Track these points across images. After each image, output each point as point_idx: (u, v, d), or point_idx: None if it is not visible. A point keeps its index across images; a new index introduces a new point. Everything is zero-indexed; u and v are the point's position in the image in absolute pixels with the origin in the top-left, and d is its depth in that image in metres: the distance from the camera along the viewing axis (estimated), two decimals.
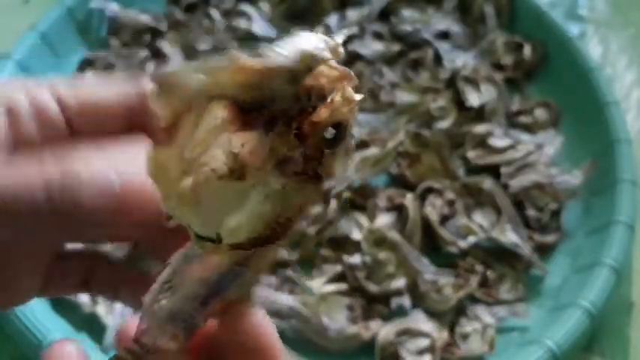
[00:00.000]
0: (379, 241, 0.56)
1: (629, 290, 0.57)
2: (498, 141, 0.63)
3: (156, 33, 0.72)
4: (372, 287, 0.54)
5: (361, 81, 0.68)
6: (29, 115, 0.23)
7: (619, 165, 0.58)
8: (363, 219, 0.58)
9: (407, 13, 0.74)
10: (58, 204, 0.20)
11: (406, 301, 0.54)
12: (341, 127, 0.18)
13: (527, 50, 0.70)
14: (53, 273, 0.25)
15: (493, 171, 0.61)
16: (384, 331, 0.52)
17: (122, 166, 0.21)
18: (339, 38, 0.18)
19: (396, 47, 0.71)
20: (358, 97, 0.18)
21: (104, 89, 0.25)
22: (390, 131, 0.63)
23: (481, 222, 0.58)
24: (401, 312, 0.54)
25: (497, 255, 0.58)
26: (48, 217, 0.21)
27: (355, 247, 0.57)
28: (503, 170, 0.61)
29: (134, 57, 0.68)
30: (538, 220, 0.59)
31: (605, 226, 0.55)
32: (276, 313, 0.53)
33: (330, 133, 0.18)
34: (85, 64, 0.69)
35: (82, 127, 0.24)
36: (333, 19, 0.74)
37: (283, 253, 0.56)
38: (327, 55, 0.17)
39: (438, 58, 0.71)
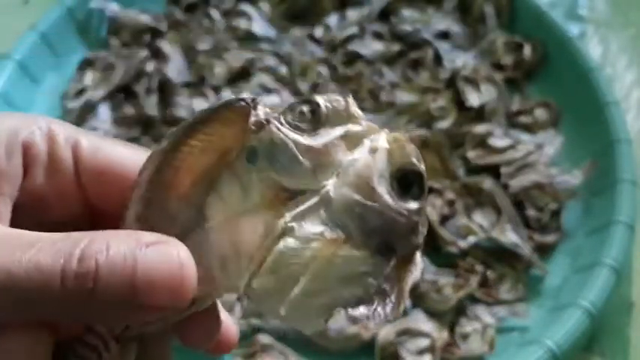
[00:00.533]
0: None
1: (629, 290, 0.57)
2: (498, 141, 0.63)
3: (156, 33, 0.72)
4: None
5: (361, 81, 0.68)
6: (65, 148, 0.24)
7: (619, 165, 0.58)
8: None
9: (407, 13, 0.74)
10: (72, 293, 0.20)
11: (406, 300, 0.54)
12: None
13: (527, 50, 0.70)
14: None
15: (493, 171, 0.61)
16: (384, 331, 0.52)
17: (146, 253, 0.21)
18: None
19: (396, 47, 0.71)
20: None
21: (127, 158, 0.24)
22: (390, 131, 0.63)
23: (481, 222, 0.58)
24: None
25: (497, 255, 0.58)
26: (58, 303, 0.20)
27: None
28: (503, 170, 0.61)
29: (134, 57, 0.68)
30: (538, 220, 0.59)
31: (605, 226, 0.55)
32: None
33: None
34: (85, 64, 0.69)
35: (94, 189, 0.24)
36: (333, 19, 0.74)
37: None
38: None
39: (438, 58, 0.71)
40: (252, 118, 0.20)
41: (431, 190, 0.59)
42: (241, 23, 0.74)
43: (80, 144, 0.24)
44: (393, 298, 0.20)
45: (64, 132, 0.24)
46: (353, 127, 0.20)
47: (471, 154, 0.63)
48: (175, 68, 0.68)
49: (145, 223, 0.22)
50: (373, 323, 0.20)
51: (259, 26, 0.74)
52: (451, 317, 0.55)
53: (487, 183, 0.59)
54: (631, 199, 0.56)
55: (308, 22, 0.75)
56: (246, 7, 0.75)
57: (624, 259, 0.53)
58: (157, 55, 0.70)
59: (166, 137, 0.21)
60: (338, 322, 0.50)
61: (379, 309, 0.20)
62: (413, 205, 0.19)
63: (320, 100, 0.20)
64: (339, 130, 0.20)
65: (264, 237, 0.20)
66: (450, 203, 0.59)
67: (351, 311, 0.20)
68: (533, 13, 0.72)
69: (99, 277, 0.20)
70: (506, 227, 0.57)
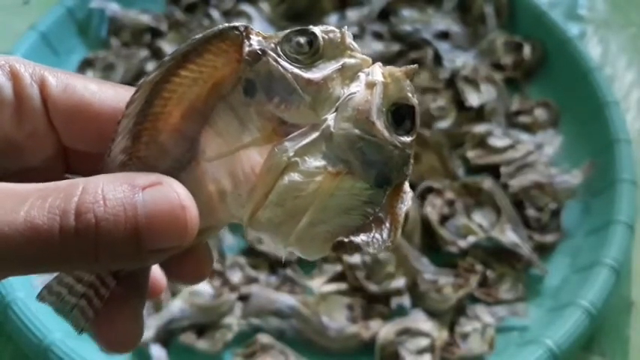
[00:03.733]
0: None
1: (628, 290, 0.57)
2: (498, 141, 0.63)
3: (156, 33, 0.72)
4: (372, 287, 0.54)
5: None
6: (30, 86, 0.22)
7: (618, 165, 0.58)
8: None
9: (407, 13, 0.74)
10: (73, 250, 0.19)
11: (406, 300, 0.54)
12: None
13: (526, 50, 0.70)
14: None
15: (493, 171, 0.61)
16: (384, 330, 0.52)
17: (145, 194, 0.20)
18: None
19: (396, 47, 0.71)
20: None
21: (98, 96, 0.23)
22: None
23: (481, 222, 0.58)
24: (401, 311, 0.54)
25: (496, 255, 0.58)
26: (59, 260, 0.19)
27: None
28: (503, 170, 0.61)
29: (134, 57, 0.68)
30: (538, 219, 0.59)
31: (605, 226, 0.55)
32: (276, 313, 0.53)
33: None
34: (85, 64, 0.69)
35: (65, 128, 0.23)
36: (333, 19, 0.74)
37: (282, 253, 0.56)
38: None
39: (437, 58, 0.71)
40: (247, 48, 0.20)
41: (431, 190, 0.59)
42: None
43: (47, 81, 0.23)
44: (387, 224, 0.20)
45: (28, 70, 0.23)
46: (349, 60, 0.20)
47: (471, 154, 0.63)
48: None
49: (134, 158, 0.21)
50: (372, 249, 0.20)
51: (259, 26, 0.74)
52: (451, 317, 0.55)
53: (487, 183, 0.59)
54: (630, 199, 0.56)
55: (308, 22, 0.75)
56: (246, 7, 0.75)
57: (624, 258, 0.53)
58: (157, 55, 0.70)
59: (156, 67, 0.21)
60: (338, 321, 0.50)
61: (377, 235, 0.20)
62: (407, 138, 0.20)
63: (317, 30, 0.20)
64: (336, 64, 0.20)
65: (265, 170, 0.20)
66: (450, 203, 0.59)
67: (352, 238, 0.20)
68: (533, 13, 0.72)
69: (100, 231, 0.19)
70: (505, 227, 0.57)
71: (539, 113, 0.67)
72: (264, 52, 0.20)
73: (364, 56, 0.21)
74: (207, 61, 0.20)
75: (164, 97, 0.21)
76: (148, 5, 0.74)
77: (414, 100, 0.20)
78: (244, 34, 0.20)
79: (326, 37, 0.20)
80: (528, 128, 0.66)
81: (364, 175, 0.20)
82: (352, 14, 0.75)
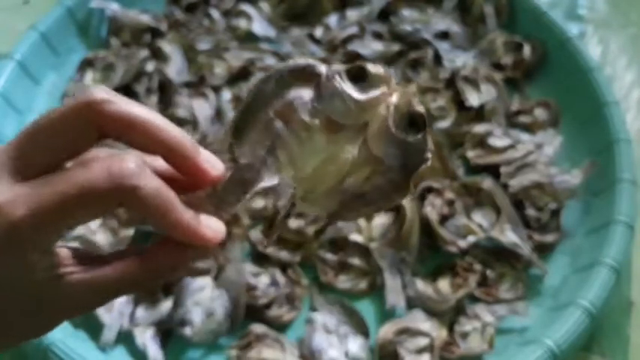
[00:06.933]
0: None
1: (628, 290, 0.57)
2: (498, 141, 0.63)
3: (156, 33, 0.72)
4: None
5: None
6: None
7: (618, 165, 0.58)
8: (360, 219, 0.58)
9: (407, 13, 0.74)
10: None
11: (402, 301, 0.55)
12: None
13: (526, 50, 0.70)
14: None
15: (493, 171, 0.61)
16: (383, 330, 0.52)
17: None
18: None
19: (396, 47, 0.71)
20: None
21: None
22: None
23: (481, 222, 0.58)
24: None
25: (496, 254, 0.58)
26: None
27: (354, 247, 0.57)
28: (503, 170, 0.61)
29: (134, 57, 0.68)
30: (538, 219, 0.59)
31: (605, 225, 0.55)
32: None
33: None
34: (85, 64, 0.69)
35: None
36: (333, 19, 0.74)
37: (285, 255, 0.57)
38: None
39: (437, 58, 0.71)
40: (325, 74, 0.29)
41: (430, 190, 0.59)
42: (241, 23, 0.74)
43: None
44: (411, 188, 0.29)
45: None
46: (385, 89, 0.28)
47: (471, 154, 0.63)
48: (175, 68, 0.69)
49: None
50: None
51: (259, 26, 0.74)
52: (450, 316, 0.55)
53: (487, 183, 0.59)
54: (630, 199, 0.56)
55: (308, 22, 0.75)
56: (246, 7, 0.75)
57: (624, 258, 0.53)
58: (157, 55, 0.70)
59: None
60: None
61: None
62: (419, 135, 0.28)
63: (369, 67, 0.28)
64: (377, 91, 0.28)
65: (325, 159, 0.29)
66: (450, 203, 0.59)
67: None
68: (533, 13, 0.72)
69: None
70: (505, 227, 0.57)
71: (539, 113, 0.67)
72: (333, 77, 0.29)
73: (397, 86, 0.29)
74: (288, 83, 0.29)
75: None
76: (148, 5, 0.74)
77: (419, 108, 0.28)
78: (317, 66, 0.29)
79: (374, 71, 0.28)
80: (528, 128, 0.66)
81: (391, 164, 0.29)
82: (352, 14, 0.75)
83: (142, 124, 0.26)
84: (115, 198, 0.25)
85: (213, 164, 0.28)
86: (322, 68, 0.29)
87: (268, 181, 0.29)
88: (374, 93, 0.29)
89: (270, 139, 0.29)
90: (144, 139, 0.26)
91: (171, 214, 0.26)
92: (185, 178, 0.28)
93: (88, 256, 0.26)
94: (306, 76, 0.29)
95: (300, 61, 0.30)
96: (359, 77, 0.29)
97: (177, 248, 0.27)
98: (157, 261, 0.27)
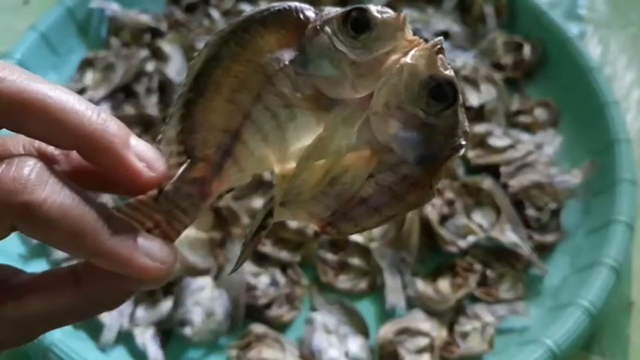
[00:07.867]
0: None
1: (628, 290, 0.57)
2: (498, 141, 0.63)
3: (156, 33, 0.72)
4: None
5: None
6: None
7: (618, 165, 0.58)
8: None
9: (407, 12, 0.74)
10: None
11: (402, 301, 0.55)
12: None
13: (526, 50, 0.70)
14: None
15: (493, 171, 0.61)
16: (383, 330, 0.52)
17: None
18: None
19: None
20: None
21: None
22: None
23: (481, 222, 0.58)
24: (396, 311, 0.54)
25: (496, 254, 0.58)
26: None
27: (354, 247, 0.57)
28: (503, 170, 0.61)
29: (134, 57, 0.68)
30: (538, 219, 0.59)
31: (605, 225, 0.55)
32: None
33: None
34: (85, 64, 0.69)
35: None
36: None
37: (285, 255, 0.57)
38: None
39: None
40: (310, 25, 0.20)
41: None
42: None
43: None
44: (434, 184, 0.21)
45: None
46: (397, 43, 0.20)
47: (471, 154, 0.63)
48: (175, 68, 0.69)
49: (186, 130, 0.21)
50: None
51: None
52: (450, 316, 0.55)
53: (487, 183, 0.59)
54: (630, 199, 0.56)
55: None
56: (246, 7, 0.75)
57: (624, 258, 0.53)
58: (157, 55, 0.70)
59: (221, 32, 0.21)
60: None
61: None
62: (447, 111, 0.20)
63: (373, 10, 0.20)
64: (385, 46, 0.20)
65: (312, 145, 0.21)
66: (450, 203, 0.59)
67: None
68: (533, 13, 0.72)
69: None
70: (505, 227, 0.57)
71: (539, 113, 0.67)
72: (322, 28, 0.20)
73: (415, 38, 0.20)
74: (259, 39, 0.21)
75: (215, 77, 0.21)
76: (148, 5, 0.74)
77: (447, 72, 0.20)
78: (301, 11, 0.21)
79: (380, 17, 0.20)
80: (528, 128, 0.66)
81: (403, 156, 0.20)
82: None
83: (44, 105, 0.18)
84: (1, 220, 0.18)
85: (149, 161, 0.20)
86: (309, 13, 0.20)
87: (235, 179, 0.21)
88: (380, 49, 0.20)
89: (235, 122, 0.21)
90: (48, 127, 0.19)
91: (88, 239, 0.18)
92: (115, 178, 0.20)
93: (6, 281, 0.20)
94: (285, 26, 0.21)
95: (277, 3, 0.21)
96: (359, 27, 0.20)
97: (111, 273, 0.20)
98: (94, 286, 0.20)
